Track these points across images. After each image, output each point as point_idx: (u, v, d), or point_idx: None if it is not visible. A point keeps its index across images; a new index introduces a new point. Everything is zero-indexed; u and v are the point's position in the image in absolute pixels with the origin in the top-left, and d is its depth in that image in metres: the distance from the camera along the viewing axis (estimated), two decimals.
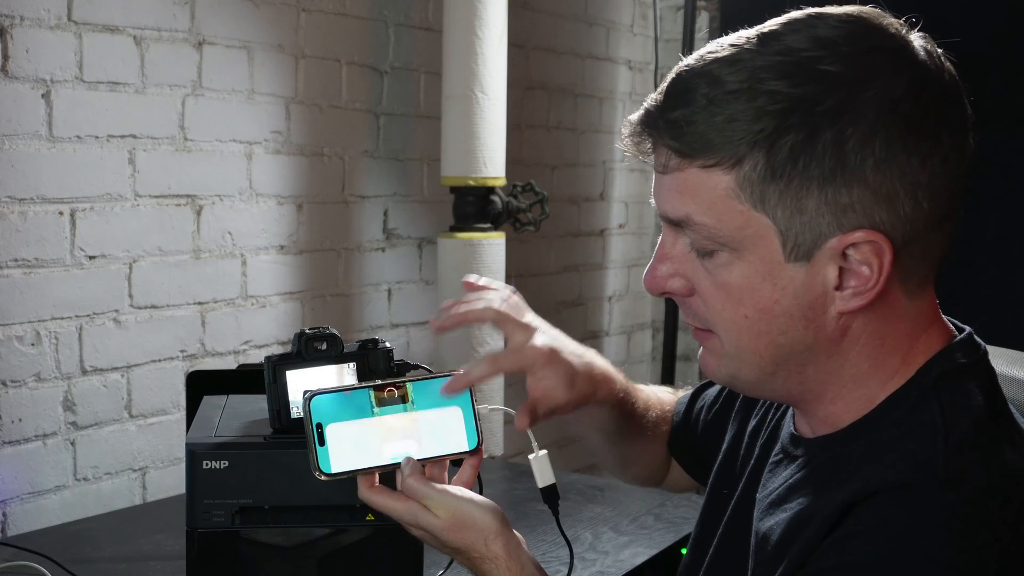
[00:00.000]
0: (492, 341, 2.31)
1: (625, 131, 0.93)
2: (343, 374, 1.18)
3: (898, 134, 0.85)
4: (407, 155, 2.59)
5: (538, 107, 3.05)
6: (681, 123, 0.87)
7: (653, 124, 0.90)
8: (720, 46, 0.89)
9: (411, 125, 2.59)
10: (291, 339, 1.19)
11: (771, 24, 0.89)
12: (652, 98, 0.91)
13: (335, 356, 1.17)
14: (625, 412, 1.24)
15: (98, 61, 1.92)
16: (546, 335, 1.14)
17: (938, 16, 0.94)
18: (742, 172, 0.86)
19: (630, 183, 3.47)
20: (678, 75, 0.90)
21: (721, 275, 0.90)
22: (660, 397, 1.34)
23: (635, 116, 0.92)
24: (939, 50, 0.90)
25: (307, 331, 1.17)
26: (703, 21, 3.47)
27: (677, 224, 0.92)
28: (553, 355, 1.12)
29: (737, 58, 0.87)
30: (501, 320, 1.12)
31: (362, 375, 1.17)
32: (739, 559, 1.01)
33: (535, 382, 1.11)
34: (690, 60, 0.90)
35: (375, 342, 1.19)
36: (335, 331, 1.18)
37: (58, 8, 1.86)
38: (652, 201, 0.94)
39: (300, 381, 1.15)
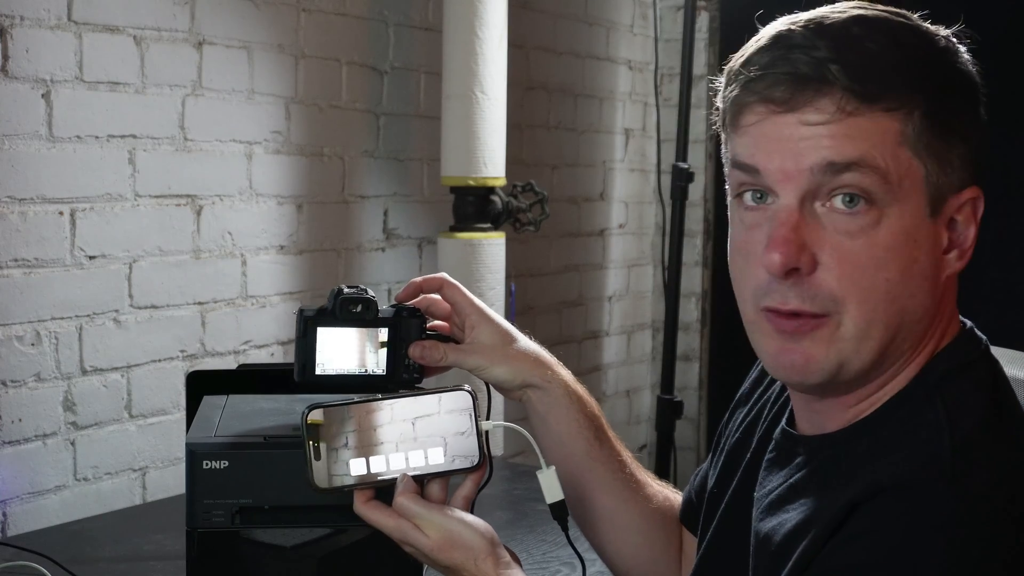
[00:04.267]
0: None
1: (761, 84, 0.88)
2: (374, 339, 1.16)
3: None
4: (407, 155, 2.59)
5: (538, 107, 3.05)
6: (867, 66, 0.87)
7: (822, 68, 0.87)
8: (832, 9, 0.91)
9: (411, 125, 2.59)
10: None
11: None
12: (802, 49, 0.87)
13: (368, 320, 1.16)
14: (593, 424, 1.20)
15: (98, 61, 1.92)
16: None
17: (936, 15, 0.95)
18: (913, 119, 0.88)
19: (630, 183, 3.47)
20: (826, 25, 0.88)
21: (868, 236, 0.88)
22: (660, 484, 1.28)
23: (782, 68, 0.88)
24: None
25: (345, 289, 1.16)
26: (703, 21, 3.47)
27: (844, 168, 0.87)
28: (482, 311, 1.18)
29: (881, 17, 0.90)
30: (450, 287, 1.19)
31: (392, 342, 1.16)
32: (732, 557, 1.01)
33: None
34: (817, 17, 0.89)
35: (412, 311, 1.17)
36: (372, 295, 1.16)
37: (58, 8, 1.86)
38: (771, 162, 0.88)
39: (329, 339, 1.14)
